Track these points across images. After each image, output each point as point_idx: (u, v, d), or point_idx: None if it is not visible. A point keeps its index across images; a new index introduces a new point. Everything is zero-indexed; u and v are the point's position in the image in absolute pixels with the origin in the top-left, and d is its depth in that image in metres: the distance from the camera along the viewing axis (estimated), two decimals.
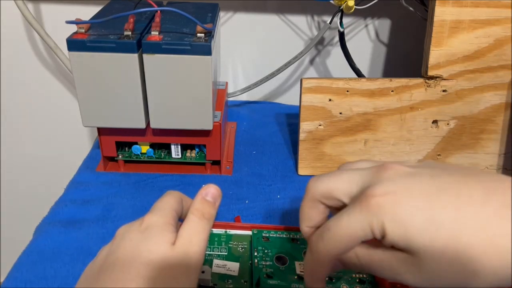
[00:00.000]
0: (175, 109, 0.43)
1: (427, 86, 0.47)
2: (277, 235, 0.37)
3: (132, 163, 0.50)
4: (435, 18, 0.45)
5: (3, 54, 0.67)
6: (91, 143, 0.75)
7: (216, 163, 0.50)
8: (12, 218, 0.84)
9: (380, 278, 0.33)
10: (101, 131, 0.47)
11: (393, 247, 0.24)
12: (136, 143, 0.48)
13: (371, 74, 0.70)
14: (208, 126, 0.44)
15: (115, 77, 0.41)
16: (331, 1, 0.51)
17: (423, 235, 0.23)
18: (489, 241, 0.22)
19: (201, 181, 0.48)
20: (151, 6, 0.43)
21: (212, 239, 0.37)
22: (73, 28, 0.41)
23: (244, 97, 0.68)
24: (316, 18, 0.65)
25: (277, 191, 0.47)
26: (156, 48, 0.40)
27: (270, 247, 0.36)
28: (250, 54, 0.68)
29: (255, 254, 0.35)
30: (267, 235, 0.37)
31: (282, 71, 0.58)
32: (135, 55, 0.40)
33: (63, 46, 0.43)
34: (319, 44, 0.67)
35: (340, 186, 0.27)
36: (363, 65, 0.68)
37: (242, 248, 0.36)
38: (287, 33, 0.66)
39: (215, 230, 0.38)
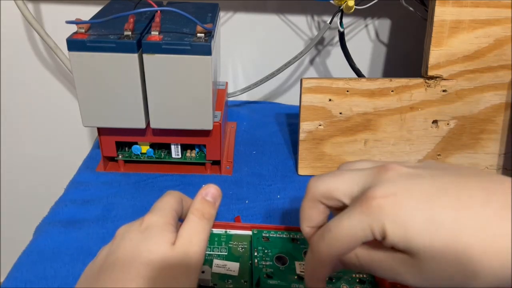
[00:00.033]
0: (175, 109, 0.43)
1: (427, 86, 0.47)
2: (277, 235, 0.37)
3: (132, 163, 0.50)
4: (435, 18, 0.45)
5: (3, 54, 0.67)
6: (91, 143, 0.75)
7: (216, 163, 0.50)
8: (12, 218, 0.84)
9: (380, 278, 0.33)
10: (101, 131, 0.47)
11: (393, 248, 0.24)
12: (136, 143, 0.48)
13: (371, 74, 0.70)
14: (208, 126, 0.44)
15: (115, 77, 0.41)
16: (331, 1, 0.51)
17: (423, 236, 0.23)
18: (489, 241, 0.22)
19: (201, 181, 0.48)
20: (151, 6, 0.43)
21: (212, 239, 0.37)
22: (73, 28, 0.41)
23: (244, 97, 0.68)
24: (316, 18, 0.65)
25: (277, 191, 0.47)
26: (156, 48, 0.40)
27: (270, 247, 0.36)
28: (250, 54, 0.68)
29: (255, 254, 0.35)
30: (267, 235, 0.37)
31: (282, 71, 0.58)
32: (135, 55, 0.40)
33: (63, 46, 0.43)
34: (319, 44, 0.67)
35: (341, 186, 0.27)
36: (363, 65, 0.68)
37: (242, 248, 0.36)
38: (287, 33, 0.66)
39: (215, 230, 0.38)
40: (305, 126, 0.48)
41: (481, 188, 0.24)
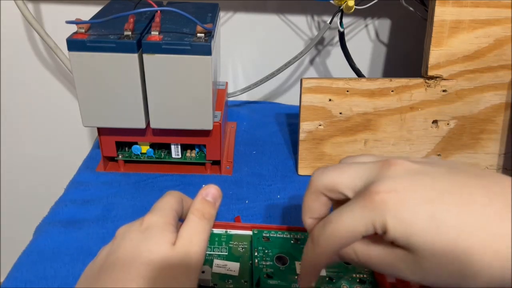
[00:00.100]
0: (175, 109, 0.43)
1: (427, 86, 0.47)
2: (278, 235, 0.37)
3: (132, 163, 0.50)
4: (435, 18, 0.45)
5: (3, 54, 0.67)
6: (91, 143, 0.75)
7: (216, 163, 0.50)
8: (12, 218, 0.84)
9: (380, 278, 0.33)
10: (101, 131, 0.47)
11: (393, 244, 0.24)
12: (136, 143, 0.48)
13: (371, 74, 0.70)
14: (208, 126, 0.44)
15: (115, 77, 0.41)
16: (331, 1, 0.51)
17: (425, 234, 0.23)
18: (490, 242, 0.22)
19: (201, 181, 0.48)
20: (151, 6, 0.43)
21: (213, 239, 0.37)
22: (73, 28, 0.41)
23: (244, 97, 0.68)
24: (316, 18, 0.65)
25: (277, 191, 0.47)
26: (156, 48, 0.40)
27: (271, 247, 0.36)
28: (250, 54, 0.68)
29: (256, 254, 0.35)
30: (268, 235, 0.37)
31: (282, 71, 0.58)
32: (135, 55, 0.40)
33: (63, 46, 0.43)
34: (319, 44, 0.67)
35: (344, 180, 0.27)
36: (363, 65, 0.68)
37: (242, 248, 0.36)
38: (287, 33, 0.66)
39: (216, 230, 0.38)
40: (305, 126, 0.48)
41: (484, 189, 0.24)
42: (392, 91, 0.48)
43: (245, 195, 0.46)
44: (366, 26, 0.66)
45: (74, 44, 0.40)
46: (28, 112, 0.72)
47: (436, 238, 0.23)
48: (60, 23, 0.44)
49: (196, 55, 0.40)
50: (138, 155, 0.48)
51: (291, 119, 0.62)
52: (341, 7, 0.51)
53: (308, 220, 0.29)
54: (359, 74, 0.56)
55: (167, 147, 0.49)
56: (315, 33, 0.65)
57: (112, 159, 0.50)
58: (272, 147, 0.55)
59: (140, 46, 0.40)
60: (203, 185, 0.31)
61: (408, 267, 0.24)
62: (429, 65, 0.47)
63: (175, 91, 0.42)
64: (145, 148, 0.48)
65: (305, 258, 0.28)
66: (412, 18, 0.58)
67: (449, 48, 0.46)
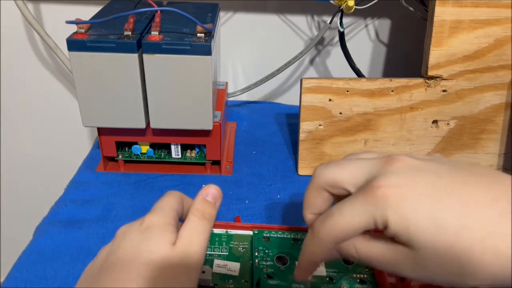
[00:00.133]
0: (175, 109, 0.43)
1: (427, 86, 0.47)
2: (278, 235, 0.37)
3: (132, 163, 0.50)
4: (435, 18, 0.45)
5: (3, 54, 0.67)
6: (91, 143, 0.75)
7: (216, 163, 0.50)
8: (12, 218, 0.84)
9: (380, 278, 0.33)
10: (101, 131, 0.47)
11: (394, 240, 0.24)
12: (136, 143, 0.48)
13: (371, 74, 0.70)
14: (208, 126, 0.44)
15: (115, 77, 0.41)
16: (331, 1, 0.51)
17: (425, 231, 0.23)
18: (490, 241, 0.22)
19: (201, 181, 0.48)
20: (151, 6, 0.43)
21: (213, 239, 0.37)
22: (73, 28, 0.41)
23: (244, 97, 0.68)
24: (316, 18, 0.65)
25: (277, 191, 0.47)
26: (156, 48, 0.40)
27: (271, 247, 0.36)
28: (250, 54, 0.68)
29: (256, 254, 0.35)
30: (268, 235, 0.37)
31: (282, 71, 0.58)
32: (135, 55, 0.40)
33: (63, 46, 0.43)
34: (319, 44, 0.67)
35: (347, 175, 0.27)
36: (363, 65, 0.68)
37: (243, 248, 0.36)
38: (287, 33, 0.66)
39: (216, 230, 0.38)
40: (305, 126, 0.48)
41: (486, 187, 0.24)
42: (392, 91, 0.48)
43: (245, 195, 0.46)
44: (366, 26, 0.66)
45: (74, 44, 0.40)
46: (28, 112, 0.72)
47: (437, 235, 0.23)
48: (60, 23, 0.44)
49: (196, 55, 0.40)
50: (138, 155, 0.48)
51: (291, 119, 0.62)
52: (341, 7, 0.51)
53: (309, 215, 0.29)
54: (359, 74, 0.56)
55: (167, 147, 0.49)
56: (315, 33, 0.65)
57: (112, 159, 0.50)
58: (272, 147, 0.55)
59: (140, 46, 0.40)
60: (203, 185, 0.31)
61: (408, 264, 0.24)
62: (429, 65, 0.47)
63: (175, 91, 0.42)
64: (145, 148, 0.48)
65: (304, 250, 0.28)
66: (412, 18, 0.58)
67: (449, 48, 0.46)
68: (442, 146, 0.50)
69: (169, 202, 0.29)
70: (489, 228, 0.22)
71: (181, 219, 0.30)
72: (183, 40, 0.40)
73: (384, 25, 0.66)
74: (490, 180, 0.24)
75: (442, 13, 0.45)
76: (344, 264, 0.35)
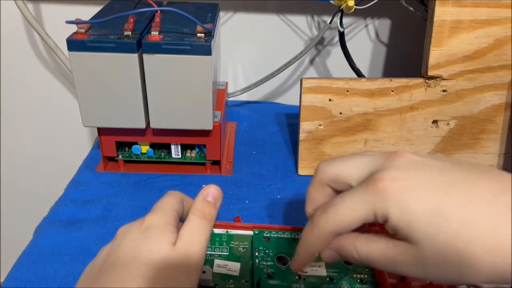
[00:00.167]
0: (175, 109, 0.43)
1: (427, 86, 0.47)
2: (278, 235, 0.37)
3: (132, 163, 0.50)
4: (435, 18, 0.45)
5: (3, 54, 0.67)
6: (91, 143, 0.75)
7: (216, 163, 0.50)
8: (12, 218, 0.84)
9: (380, 278, 0.33)
10: (101, 131, 0.47)
11: (394, 237, 0.24)
12: (136, 143, 0.48)
13: (371, 74, 0.70)
14: (208, 126, 0.44)
15: (115, 77, 0.41)
16: (331, 1, 0.51)
17: (427, 225, 0.23)
18: (492, 237, 0.22)
19: (201, 181, 0.48)
20: (151, 6, 0.43)
21: (214, 239, 0.37)
22: (73, 28, 0.41)
23: (244, 97, 0.68)
24: (316, 18, 0.65)
25: (277, 191, 0.47)
26: (156, 48, 0.40)
27: (271, 247, 0.36)
28: (250, 54, 0.68)
29: (256, 254, 0.35)
30: (268, 235, 0.37)
31: (282, 71, 0.58)
32: (135, 55, 0.40)
33: (63, 46, 0.43)
34: (319, 44, 0.67)
35: (349, 170, 0.27)
36: (363, 65, 0.68)
37: (243, 248, 0.36)
38: (287, 33, 0.66)
39: (217, 230, 0.38)
40: (305, 126, 0.48)
41: (489, 184, 0.24)
42: (392, 91, 0.48)
43: (245, 195, 0.46)
44: (366, 26, 0.66)
45: (74, 44, 0.40)
46: (28, 112, 0.72)
47: (439, 229, 0.23)
48: (60, 23, 0.44)
49: (196, 55, 0.40)
50: (138, 155, 0.48)
51: (291, 119, 0.62)
52: (341, 7, 0.51)
53: (310, 211, 0.29)
54: (359, 74, 0.56)
55: (167, 147, 0.49)
56: (315, 33, 0.65)
57: (112, 159, 0.50)
58: (272, 147, 0.55)
59: (140, 46, 0.40)
60: (203, 185, 0.31)
61: (409, 261, 0.24)
62: (429, 65, 0.47)
63: (175, 91, 0.42)
64: (145, 148, 0.48)
65: (302, 240, 0.28)
66: (412, 18, 0.58)
67: (449, 48, 0.46)
68: (442, 146, 0.50)
69: (170, 202, 0.29)
70: (491, 223, 0.22)
71: (181, 219, 0.30)
72: (183, 40, 0.40)
73: (384, 25, 0.66)
74: (491, 177, 0.24)
75: (442, 13, 0.45)
76: (345, 264, 0.35)
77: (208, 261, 0.35)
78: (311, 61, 0.69)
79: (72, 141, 0.75)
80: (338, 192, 0.28)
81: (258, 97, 0.71)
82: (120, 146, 0.49)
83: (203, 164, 0.50)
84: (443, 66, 0.47)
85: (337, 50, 0.65)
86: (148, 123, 0.45)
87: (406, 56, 0.68)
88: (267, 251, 0.35)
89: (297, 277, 0.33)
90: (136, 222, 0.28)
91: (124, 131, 0.46)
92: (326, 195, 0.29)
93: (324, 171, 0.28)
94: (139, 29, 0.42)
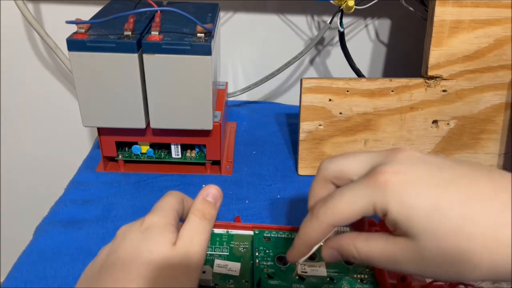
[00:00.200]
0: (175, 109, 0.43)
1: (427, 86, 0.47)
2: (279, 235, 0.37)
3: (132, 163, 0.50)
4: (435, 18, 0.45)
5: (3, 54, 0.67)
6: (91, 143, 0.75)
7: (216, 163, 0.50)
8: (12, 218, 0.84)
9: (381, 278, 0.33)
10: (101, 131, 0.47)
11: (394, 234, 0.24)
12: (136, 143, 0.48)
13: (371, 74, 0.70)
14: (208, 126, 0.44)
15: (115, 77, 0.41)
16: (331, 1, 0.51)
17: (427, 221, 0.23)
18: (493, 232, 0.22)
19: (201, 181, 0.48)
20: (151, 6, 0.43)
21: (214, 239, 0.37)
22: (73, 28, 0.41)
23: (244, 97, 0.68)
24: (316, 18, 0.65)
25: (277, 191, 0.47)
26: (156, 48, 0.40)
27: (271, 247, 0.36)
28: (250, 54, 0.68)
29: (256, 254, 0.35)
30: (269, 235, 0.37)
31: (282, 71, 0.58)
32: (135, 55, 0.40)
33: (63, 46, 0.43)
34: (319, 44, 0.67)
35: (352, 166, 0.28)
36: (363, 65, 0.68)
37: (243, 248, 0.36)
38: (287, 33, 0.66)
39: (217, 230, 0.38)
40: (305, 126, 0.48)
41: (490, 182, 0.24)
42: (392, 91, 0.48)
43: (245, 195, 0.46)
44: (366, 26, 0.66)
45: (74, 44, 0.40)
46: (28, 112, 0.72)
47: (439, 224, 0.23)
48: (60, 23, 0.44)
49: (196, 55, 0.40)
50: (138, 155, 0.48)
51: (291, 119, 0.62)
52: (341, 7, 0.51)
53: (312, 205, 0.29)
54: (359, 74, 0.56)
55: (167, 147, 0.49)
56: (315, 33, 0.65)
57: (112, 159, 0.50)
58: (272, 147, 0.55)
59: (140, 46, 0.40)
60: (203, 185, 0.32)
61: (408, 257, 0.24)
62: (429, 65, 0.47)
63: (175, 91, 0.42)
64: (145, 148, 0.48)
65: (301, 231, 0.28)
66: (412, 18, 0.58)
67: (449, 48, 0.46)
68: (442, 146, 0.50)
69: (170, 202, 0.29)
70: (491, 221, 0.22)
71: (181, 219, 0.30)
72: (183, 40, 0.40)
73: (384, 25, 0.66)
74: (492, 175, 0.24)
75: (442, 13, 0.45)
76: (345, 264, 0.35)
77: (208, 261, 0.35)
78: (311, 61, 0.69)
79: (72, 141, 0.75)
80: None
81: (258, 97, 0.71)
82: (120, 146, 0.49)
83: (203, 164, 0.50)
84: (443, 66, 0.47)
85: (337, 50, 0.65)
86: (148, 123, 0.45)
87: (406, 56, 0.68)
88: (267, 251, 0.35)
89: (297, 277, 0.33)
90: (136, 222, 0.28)
91: (124, 131, 0.46)
92: (329, 191, 0.29)
93: (327, 168, 0.29)
94: (139, 29, 0.42)
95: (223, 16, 0.64)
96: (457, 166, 0.25)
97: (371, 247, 0.26)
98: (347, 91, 0.47)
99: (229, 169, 0.51)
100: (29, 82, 0.69)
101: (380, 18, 0.65)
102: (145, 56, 0.40)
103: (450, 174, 0.24)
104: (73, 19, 0.40)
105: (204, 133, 0.47)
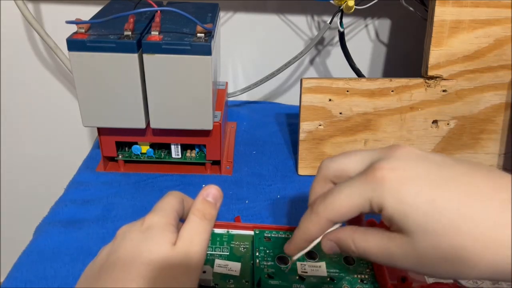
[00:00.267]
0: (175, 109, 0.43)
1: (427, 86, 0.47)
2: (279, 235, 0.37)
3: (132, 163, 0.50)
4: (435, 18, 0.45)
5: (3, 54, 0.67)
6: (91, 143, 0.75)
7: (216, 163, 0.50)
8: (12, 218, 0.84)
9: (381, 278, 0.33)
10: (101, 131, 0.47)
11: (390, 230, 0.24)
12: (136, 143, 0.48)
13: (371, 74, 0.70)
14: (208, 126, 0.44)
15: (115, 77, 0.41)
16: (331, 1, 0.51)
17: (423, 218, 0.23)
18: (491, 231, 0.22)
19: (201, 181, 0.48)
20: (151, 6, 0.43)
21: (214, 239, 0.37)
22: (73, 28, 0.41)
23: (244, 97, 0.68)
24: (316, 18, 0.65)
25: (277, 191, 0.47)
26: (156, 48, 0.40)
27: (272, 247, 0.36)
28: (250, 54, 0.68)
29: (257, 254, 0.35)
30: (269, 235, 0.37)
31: (282, 71, 0.58)
32: (135, 55, 0.40)
33: (63, 46, 0.43)
34: (319, 44, 0.67)
35: (352, 164, 0.28)
36: (363, 65, 0.68)
37: (244, 248, 0.36)
38: (287, 33, 0.66)
39: (217, 230, 0.38)
40: (305, 126, 0.48)
41: (488, 181, 0.24)
42: (392, 91, 0.48)
43: (245, 195, 0.46)
44: (366, 26, 0.66)
45: (74, 44, 0.40)
46: (28, 112, 0.72)
47: (435, 222, 0.23)
48: (60, 23, 0.44)
49: (196, 55, 0.40)
50: (138, 155, 0.48)
51: (291, 119, 0.62)
52: (341, 7, 0.51)
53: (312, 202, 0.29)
54: (359, 74, 0.56)
55: (167, 147, 0.49)
56: (315, 33, 0.65)
57: (112, 159, 0.50)
58: (272, 147, 0.55)
59: (140, 46, 0.40)
60: (203, 185, 0.32)
61: (404, 253, 0.24)
62: (429, 65, 0.47)
63: (175, 91, 0.42)
64: (145, 148, 0.48)
65: (300, 226, 0.29)
66: (412, 18, 0.58)
67: (449, 48, 0.46)
68: (442, 146, 0.50)
69: (170, 202, 0.29)
70: (491, 219, 0.22)
71: (181, 219, 0.30)
72: (183, 40, 0.40)
73: (384, 25, 0.66)
74: (491, 174, 0.24)
75: (442, 13, 0.45)
76: (345, 264, 0.35)
77: (209, 261, 0.35)
78: (311, 61, 0.69)
79: (72, 141, 0.75)
80: None
81: (258, 97, 0.71)
82: (120, 146, 0.49)
83: (203, 164, 0.50)
84: (443, 66, 0.47)
85: (337, 50, 0.65)
86: (148, 123, 0.45)
87: (406, 56, 0.68)
88: (267, 251, 0.35)
89: (297, 277, 0.33)
90: (137, 222, 0.28)
91: (124, 131, 0.46)
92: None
93: (328, 167, 0.29)
94: (139, 29, 0.42)
95: (223, 16, 0.64)
96: (457, 165, 0.25)
97: (368, 242, 0.26)
98: (347, 91, 0.47)
99: (229, 169, 0.51)
100: (29, 82, 0.69)
101: (380, 18, 0.65)
102: (145, 56, 0.40)
103: (449, 172, 0.24)
104: (73, 19, 0.40)
105: (204, 133, 0.47)
